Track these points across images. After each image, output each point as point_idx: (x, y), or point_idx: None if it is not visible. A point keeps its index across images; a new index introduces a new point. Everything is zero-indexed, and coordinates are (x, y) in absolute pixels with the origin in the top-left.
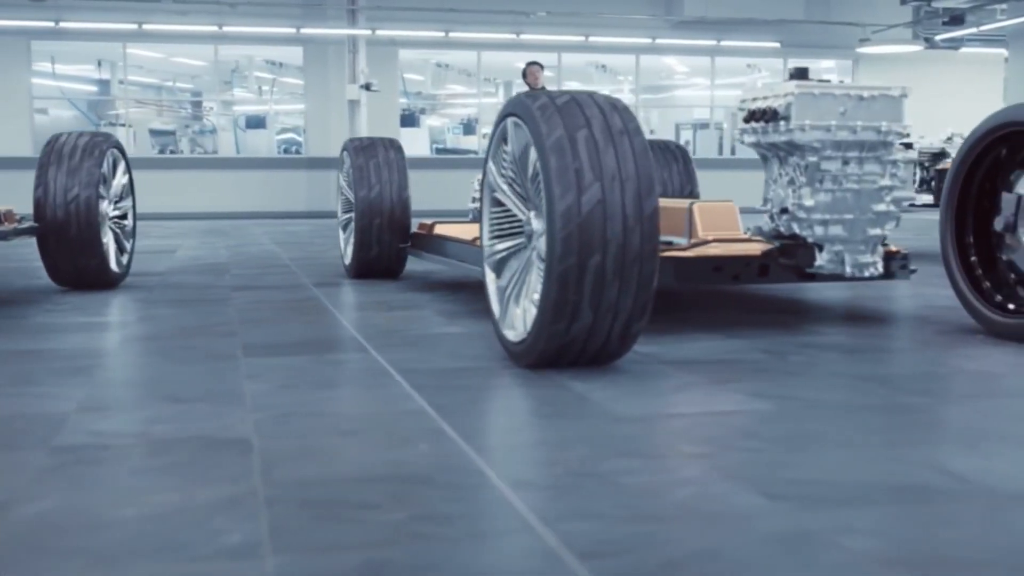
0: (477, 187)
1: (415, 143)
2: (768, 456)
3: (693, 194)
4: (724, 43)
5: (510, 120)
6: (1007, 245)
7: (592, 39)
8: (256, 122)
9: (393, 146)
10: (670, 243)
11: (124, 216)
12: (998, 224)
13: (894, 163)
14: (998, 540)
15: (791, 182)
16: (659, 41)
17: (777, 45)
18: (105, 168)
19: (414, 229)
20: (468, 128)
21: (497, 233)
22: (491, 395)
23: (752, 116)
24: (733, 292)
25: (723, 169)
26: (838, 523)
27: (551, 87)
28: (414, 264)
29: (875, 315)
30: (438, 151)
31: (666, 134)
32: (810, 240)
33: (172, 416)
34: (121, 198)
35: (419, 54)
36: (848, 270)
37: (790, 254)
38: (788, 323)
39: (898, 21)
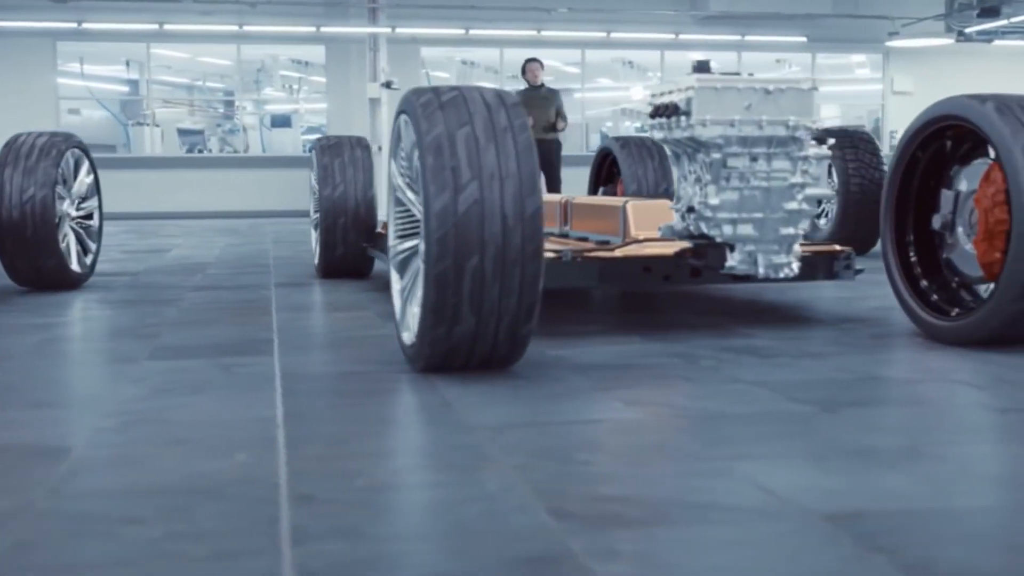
0: None
1: None
2: (595, 470)
3: (668, 192)
4: (749, 38)
5: (402, 118)
6: (948, 244)
7: (614, 35)
8: (282, 121)
9: (360, 145)
10: (606, 243)
11: (89, 216)
12: (936, 222)
13: (805, 159)
14: (766, 568)
15: (698, 180)
16: (682, 37)
17: (804, 39)
18: (64, 168)
19: (379, 229)
20: None
21: (400, 233)
22: (358, 401)
23: (656, 112)
24: (695, 292)
25: None
26: (606, 545)
27: (575, 84)
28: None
29: (820, 317)
30: None
31: None
32: (719, 240)
33: (14, 422)
34: (85, 198)
35: (443, 52)
36: (761, 271)
37: (700, 255)
38: (724, 325)
39: (929, 14)
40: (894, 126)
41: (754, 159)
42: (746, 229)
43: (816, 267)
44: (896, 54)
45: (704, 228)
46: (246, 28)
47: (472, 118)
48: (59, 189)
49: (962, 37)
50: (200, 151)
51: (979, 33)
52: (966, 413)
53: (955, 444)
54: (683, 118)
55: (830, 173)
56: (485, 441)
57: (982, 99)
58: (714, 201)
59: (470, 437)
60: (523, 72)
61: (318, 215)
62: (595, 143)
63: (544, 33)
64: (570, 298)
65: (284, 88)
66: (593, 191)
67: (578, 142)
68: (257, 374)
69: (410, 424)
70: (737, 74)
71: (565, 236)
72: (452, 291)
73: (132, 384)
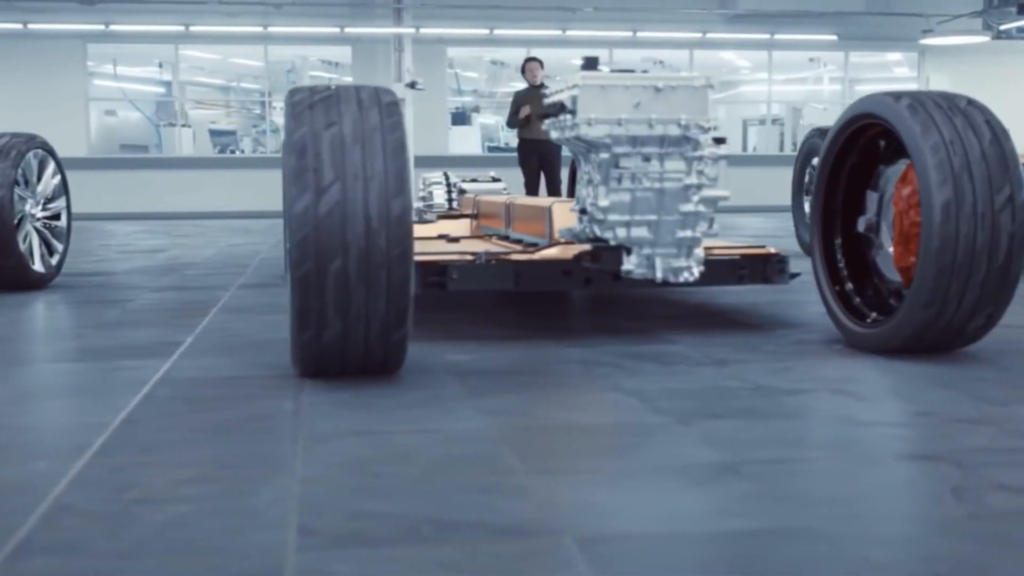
0: (423, 185)
1: (465, 141)
2: (382, 484)
3: None
4: (778, 36)
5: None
6: (875, 247)
7: (640, 34)
8: None
9: None
10: (534, 245)
11: (56, 216)
12: (861, 225)
13: (700, 159)
14: None
15: (590, 181)
16: (710, 35)
17: (834, 38)
18: (25, 169)
19: None
20: None
21: None
22: (210, 407)
23: (546, 111)
24: (648, 295)
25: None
26: (326, 567)
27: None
28: None
29: (757, 322)
30: (490, 149)
31: (733, 131)
32: (613, 243)
33: None
34: (52, 199)
35: (472, 52)
36: (659, 275)
37: (596, 258)
38: (652, 330)
39: (965, 11)
40: None
41: (646, 159)
42: (641, 232)
43: (750, 270)
44: (932, 52)
45: (597, 231)
46: (271, 29)
47: (341, 118)
48: (19, 190)
49: (1000, 34)
50: (232, 152)
51: (1019, 30)
52: (825, 427)
53: (782, 462)
54: (569, 117)
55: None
56: (298, 452)
57: (897, 96)
58: (604, 203)
59: (286, 447)
60: (523, 72)
61: None
62: None
63: (569, 33)
64: (528, 300)
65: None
66: (570, 193)
67: None
68: (134, 378)
69: (240, 433)
70: (631, 71)
71: (506, 238)
72: (316, 295)
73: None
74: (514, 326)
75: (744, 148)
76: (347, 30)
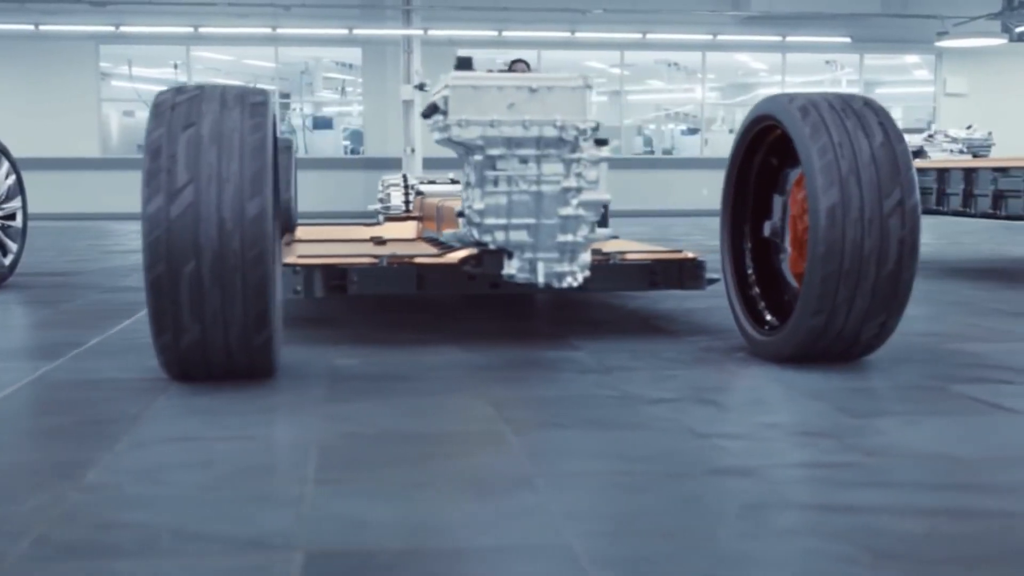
0: (381, 187)
1: None
2: (162, 492)
3: None
4: (790, 39)
5: None
6: (781, 252)
7: (651, 36)
8: (323, 123)
9: (282, 146)
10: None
11: (11, 216)
12: (767, 229)
13: (579, 162)
14: None
15: (468, 183)
16: (720, 37)
17: (848, 40)
18: None
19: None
20: None
21: None
22: (60, 411)
23: (424, 112)
24: (600, 300)
25: None
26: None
27: (614, 87)
28: None
29: (677, 328)
30: None
31: None
32: (492, 246)
33: None
34: (6, 199)
35: (485, 53)
36: (541, 279)
37: (478, 262)
38: (565, 336)
39: (982, 13)
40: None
41: (523, 161)
42: (520, 236)
43: (664, 275)
44: (949, 54)
45: (476, 234)
46: (280, 31)
47: (201, 119)
48: None
49: (1018, 37)
50: None
51: None
52: (660, 439)
53: (582, 475)
54: (442, 118)
55: None
56: (103, 458)
57: (791, 98)
58: (479, 206)
59: (95, 453)
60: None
61: None
62: (638, 146)
63: (579, 34)
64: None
65: (336, 90)
66: None
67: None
68: (3, 381)
69: (64, 438)
70: (514, 71)
71: (435, 240)
72: (169, 298)
73: None
74: (434, 329)
75: None
76: (355, 31)
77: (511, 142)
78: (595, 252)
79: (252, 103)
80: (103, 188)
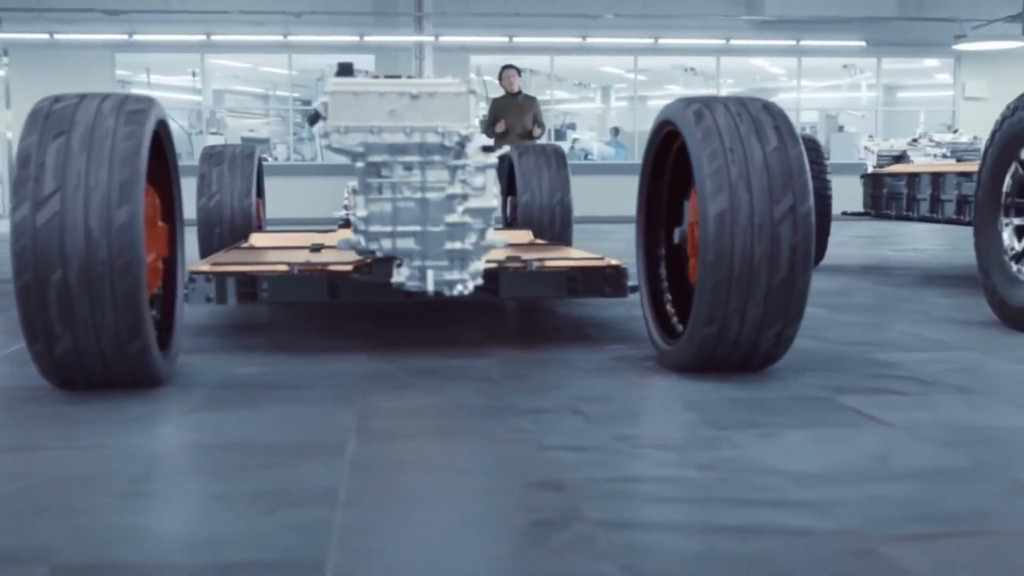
0: (347, 193)
1: None
2: None
3: (563, 202)
4: (804, 43)
5: None
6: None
7: (662, 41)
8: None
9: (244, 153)
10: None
11: None
12: (676, 236)
13: (464, 168)
14: None
15: (355, 190)
16: (734, 42)
17: (863, 44)
18: None
19: None
20: (558, 134)
21: None
22: None
23: (307, 120)
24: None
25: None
26: None
27: (628, 92)
28: None
29: (602, 335)
30: None
31: None
32: (380, 254)
33: None
34: None
35: (499, 60)
36: (430, 287)
37: (367, 269)
38: (484, 343)
39: (1000, 15)
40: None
41: (408, 168)
42: (407, 243)
43: (585, 283)
44: (969, 58)
45: (363, 241)
46: (291, 38)
47: (73, 127)
48: None
49: None
50: (265, 159)
51: None
52: (503, 450)
53: (392, 489)
54: (323, 125)
55: None
56: None
57: (689, 102)
58: (362, 213)
59: None
60: (500, 79)
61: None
62: None
63: (590, 40)
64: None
65: None
66: (504, 200)
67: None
68: None
69: None
70: (397, 77)
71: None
72: (38, 306)
73: None
74: (360, 336)
75: None
76: (367, 38)
77: (394, 149)
78: (513, 259)
79: (129, 111)
80: None
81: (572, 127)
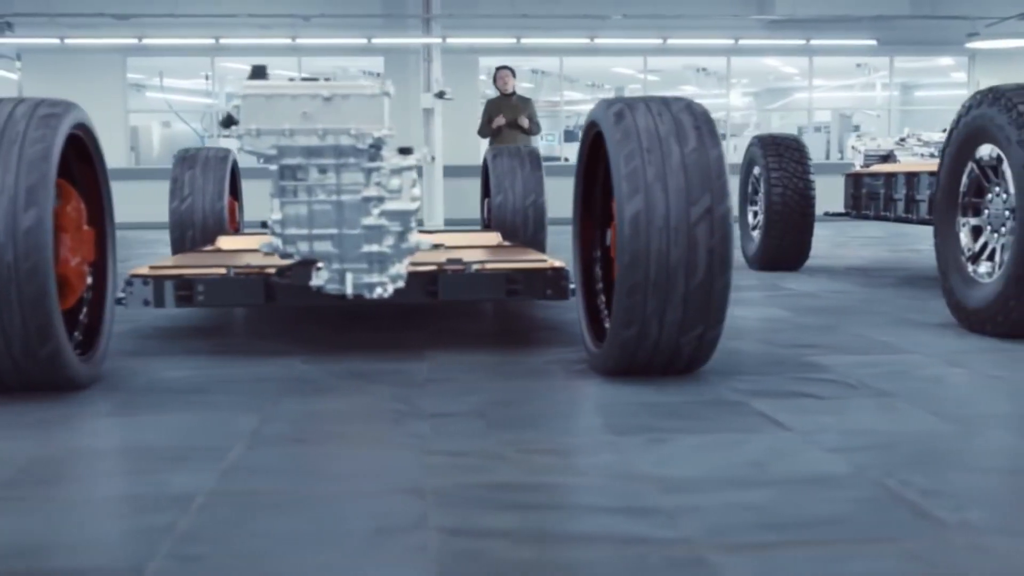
0: None
1: None
2: None
3: (537, 204)
4: (814, 42)
5: None
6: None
7: (671, 41)
8: None
9: (217, 156)
10: None
11: None
12: (608, 237)
13: (379, 170)
14: None
15: (271, 193)
16: (743, 42)
17: (874, 43)
18: None
19: None
20: (571, 135)
21: None
22: None
23: (221, 123)
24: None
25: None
26: None
27: (642, 94)
28: None
29: (558, 339)
30: None
31: None
32: (298, 257)
33: None
34: None
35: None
36: (350, 290)
37: (287, 273)
38: (428, 346)
39: (1013, 13)
40: None
41: (323, 171)
42: (324, 246)
43: (526, 285)
44: (983, 56)
45: (280, 245)
46: (300, 41)
47: None
48: None
49: None
50: None
51: None
52: (379, 456)
53: (243, 495)
54: (236, 128)
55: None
56: None
57: (611, 103)
58: (276, 216)
59: None
60: (494, 80)
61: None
62: None
63: (598, 40)
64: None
65: None
66: (482, 201)
67: None
68: None
69: None
70: (314, 79)
71: None
72: None
73: None
74: (307, 340)
75: None
76: (374, 41)
77: (308, 151)
78: (454, 261)
79: (41, 115)
80: (134, 198)
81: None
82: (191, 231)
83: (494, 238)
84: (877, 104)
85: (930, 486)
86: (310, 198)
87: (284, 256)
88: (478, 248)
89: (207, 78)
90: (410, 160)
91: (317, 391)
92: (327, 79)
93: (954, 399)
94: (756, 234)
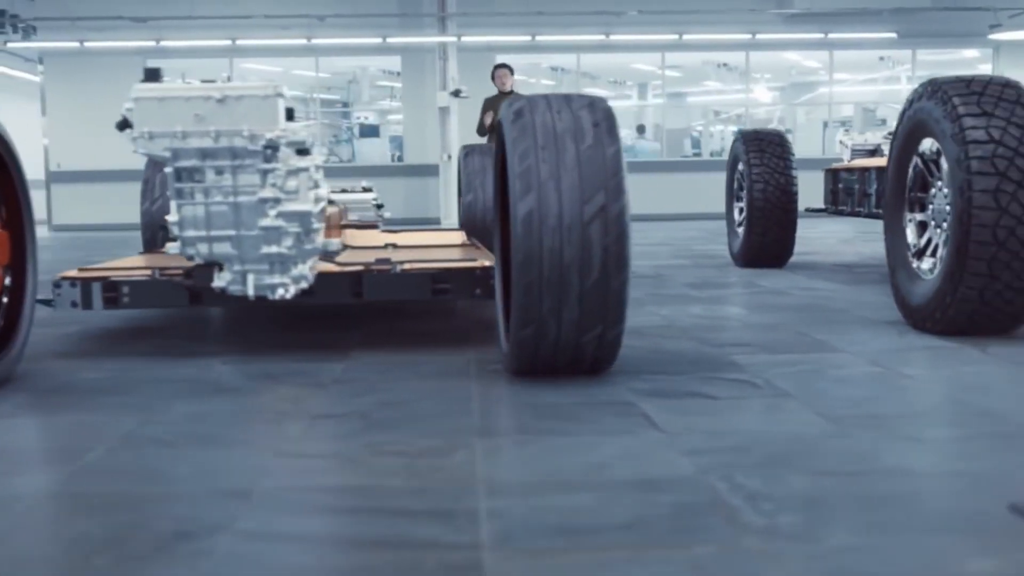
0: None
1: None
2: None
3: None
4: (832, 36)
5: None
6: None
7: (687, 37)
8: (370, 131)
9: None
10: None
11: None
12: None
13: (274, 172)
14: None
15: (170, 195)
16: (760, 36)
17: (894, 35)
18: None
19: None
20: None
21: None
22: None
23: (118, 125)
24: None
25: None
26: None
27: (671, 88)
28: None
29: (492, 337)
30: None
31: (814, 134)
32: (198, 259)
33: None
34: None
35: (530, 59)
36: (251, 292)
37: (190, 274)
38: (359, 346)
39: None
40: None
41: (219, 173)
42: (223, 248)
43: (454, 285)
44: (1008, 48)
45: (180, 247)
46: (315, 41)
47: None
48: None
49: None
50: None
51: None
52: (230, 457)
53: (73, 497)
54: (131, 131)
55: None
56: None
57: (513, 101)
58: (173, 218)
59: None
60: (493, 78)
61: None
62: (687, 149)
63: (613, 37)
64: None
65: (387, 98)
66: (458, 200)
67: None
68: None
69: None
70: (212, 82)
71: None
72: None
73: None
74: (246, 342)
75: (823, 151)
76: (389, 40)
77: (204, 153)
78: (381, 261)
79: None
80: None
81: None
82: (162, 232)
83: (458, 237)
84: (902, 97)
85: (761, 489)
86: (207, 200)
87: (189, 258)
88: (431, 247)
89: (228, 79)
90: (306, 161)
91: (217, 392)
92: (226, 80)
93: (850, 400)
94: (741, 231)
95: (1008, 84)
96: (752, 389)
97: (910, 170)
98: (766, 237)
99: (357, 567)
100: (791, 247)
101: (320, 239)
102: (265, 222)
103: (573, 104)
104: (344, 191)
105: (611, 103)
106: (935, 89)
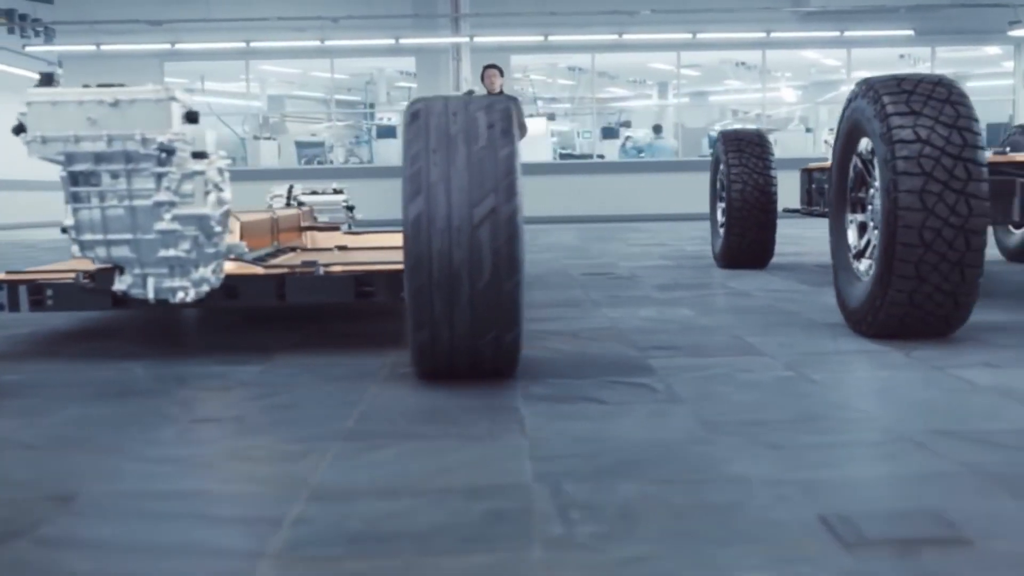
0: (269, 198)
1: (535, 149)
2: None
3: None
4: (849, 33)
5: None
6: None
7: (701, 36)
8: (386, 131)
9: None
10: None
11: None
12: None
13: (168, 175)
14: None
15: (65, 199)
16: (775, 35)
17: (911, 33)
18: None
19: None
20: (609, 132)
21: None
22: None
23: (13, 130)
24: None
25: None
26: None
27: (687, 88)
28: None
29: None
30: (562, 156)
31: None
32: (98, 262)
33: None
34: None
35: (546, 59)
36: (151, 295)
37: (93, 277)
38: (295, 348)
39: None
40: None
41: (115, 176)
42: (121, 251)
43: (382, 287)
44: None
45: (80, 250)
46: (329, 43)
47: None
48: None
49: None
50: (320, 163)
51: None
52: (108, 460)
53: None
54: (24, 136)
55: None
56: None
57: (414, 102)
58: (68, 222)
59: None
60: (482, 79)
61: None
62: (704, 148)
63: (626, 36)
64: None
65: (408, 99)
66: None
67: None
68: None
69: None
70: (109, 86)
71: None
72: None
73: None
74: (185, 344)
75: None
76: (403, 41)
77: (99, 157)
78: (307, 264)
79: None
80: None
81: (627, 124)
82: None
83: None
84: None
85: (583, 498)
86: (103, 203)
87: (97, 262)
88: (379, 249)
89: (247, 82)
90: (202, 165)
91: (119, 395)
92: (122, 84)
93: (739, 405)
94: (723, 232)
95: (940, 83)
96: (648, 394)
97: (851, 170)
98: (745, 238)
99: (134, 572)
100: (771, 248)
101: (224, 242)
102: (161, 226)
103: (471, 106)
104: (315, 193)
105: (631, 102)
106: (868, 88)
